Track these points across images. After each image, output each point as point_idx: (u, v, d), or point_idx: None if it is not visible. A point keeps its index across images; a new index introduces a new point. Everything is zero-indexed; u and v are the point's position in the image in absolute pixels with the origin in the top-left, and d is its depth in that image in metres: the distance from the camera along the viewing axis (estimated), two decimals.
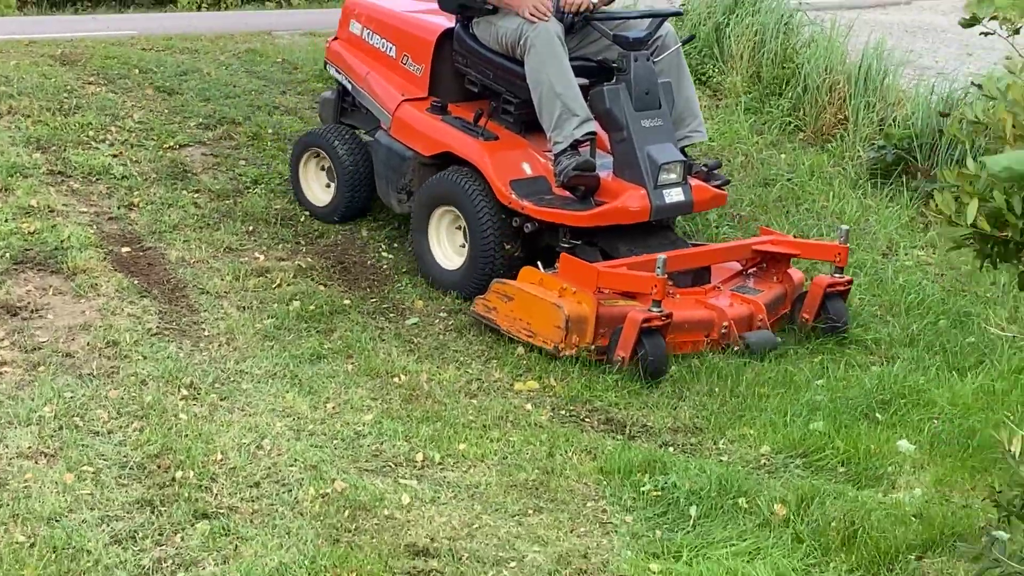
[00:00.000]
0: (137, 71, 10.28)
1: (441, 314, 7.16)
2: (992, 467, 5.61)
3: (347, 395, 6.04)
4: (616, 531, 5.05)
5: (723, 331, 7.08)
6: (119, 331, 6.35)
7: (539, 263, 7.18)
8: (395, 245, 7.98)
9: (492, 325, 7.03)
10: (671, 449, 5.86)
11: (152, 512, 4.86)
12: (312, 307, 6.92)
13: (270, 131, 9.42)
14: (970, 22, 3.50)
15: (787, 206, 9.24)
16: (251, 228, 7.84)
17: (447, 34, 8.09)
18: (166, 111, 9.59)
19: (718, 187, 7.85)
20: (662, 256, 6.74)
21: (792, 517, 5.14)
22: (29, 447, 5.22)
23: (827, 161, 10.00)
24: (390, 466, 5.44)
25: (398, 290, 7.37)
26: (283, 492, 5.10)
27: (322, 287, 7.24)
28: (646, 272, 6.80)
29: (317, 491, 5.09)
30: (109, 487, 5.01)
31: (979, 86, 3.49)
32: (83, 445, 5.28)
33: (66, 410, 5.54)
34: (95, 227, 7.53)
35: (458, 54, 8.01)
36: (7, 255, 6.97)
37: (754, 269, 7.74)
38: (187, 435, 5.43)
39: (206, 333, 6.52)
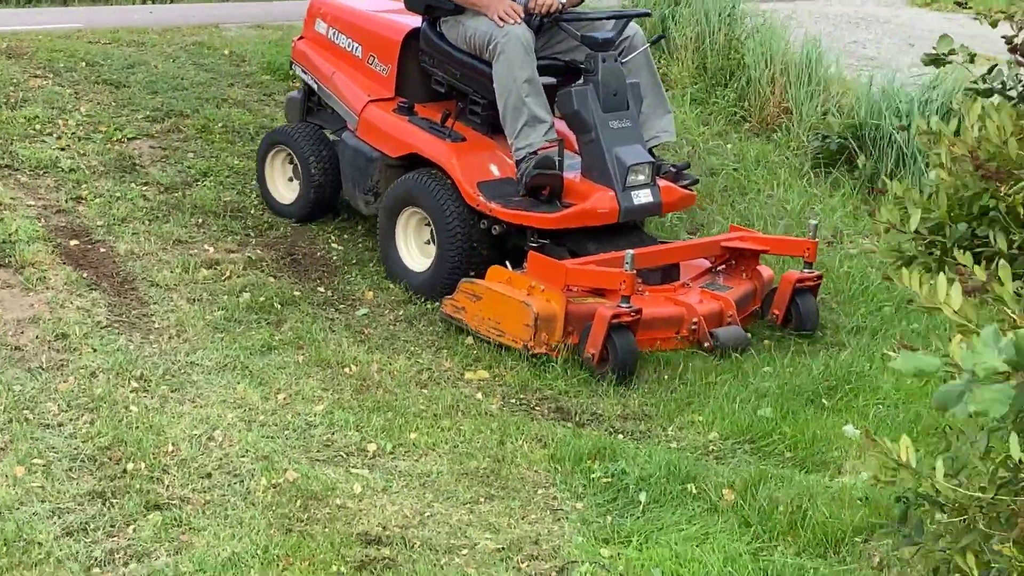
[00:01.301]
0: (84, 64, 10.22)
1: (391, 305, 7.19)
2: (936, 452, 5.70)
3: (298, 386, 6.06)
4: (567, 518, 5.10)
5: (693, 328, 7.06)
6: (68, 324, 6.34)
7: (507, 263, 7.18)
8: (344, 237, 8.00)
9: (461, 326, 7.00)
10: (620, 436, 5.92)
11: (104, 504, 4.87)
12: (262, 299, 6.93)
13: (219, 124, 9.40)
14: (933, 60, 3.53)
15: (733, 196, 9.32)
16: (200, 220, 7.84)
17: (413, 34, 8.04)
18: (113, 104, 9.54)
19: (686, 187, 7.80)
20: (630, 252, 6.70)
21: (740, 502, 5.21)
22: None
23: (772, 151, 10.10)
24: (341, 456, 5.47)
25: (348, 281, 7.39)
26: (235, 483, 5.12)
27: (272, 279, 7.25)
28: (615, 269, 6.78)
29: (269, 481, 5.11)
30: (60, 480, 5.01)
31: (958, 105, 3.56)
32: (33, 438, 5.28)
33: (15, 403, 5.53)
34: (43, 220, 7.50)
35: (425, 54, 7.97)
36: None
37: (724, 266, 7.74)
38: (138, 427, 5.44)
39: (156, 325, 6.52)
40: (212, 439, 5.44)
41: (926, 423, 5.97)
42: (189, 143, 9.00)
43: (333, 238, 7.96)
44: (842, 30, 13.38)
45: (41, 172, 8.18)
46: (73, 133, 8.89)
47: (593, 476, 5.41)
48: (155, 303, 6.77)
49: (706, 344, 7.01)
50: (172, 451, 5.29)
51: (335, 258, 7.68)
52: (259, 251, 7.59)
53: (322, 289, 7.26)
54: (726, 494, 5.27)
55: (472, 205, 7.36)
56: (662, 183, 7.58)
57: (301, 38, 8.86)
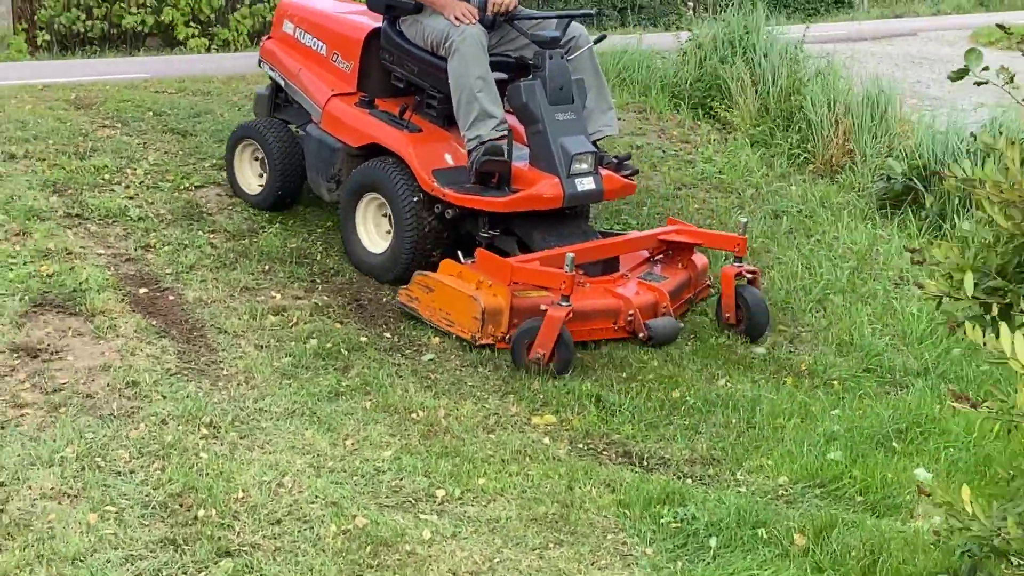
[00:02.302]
0: (151, 113, 10.37)
1: (457, 350, 7.19)
2: (1007, 496, 5.63)
3: (366, 432, 6.07)
4: (637, 563, 5.08)
5: (629, 319, 7.47)
6: (139, 371, 6.39)
7: (460, 253, 7.72)
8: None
9: (415, 314, 7.50)
10: (689, 481, 5.89)
11: (175, 551, 4.89)
12: (329, 345, 6.96)
13: None
14: (959, 74, 3.51)
15: (798, 238, 9.29)
16: (267, 267, 7.89)
17: (375, 33, 8.60)
18: (180, 153, 9.67)
19: (627, 177, 8.33)
20: (570, 254, 7.11)
21: (812, 547, 5.16)
22: (52, 488, 5.25)
23: (836, 192, 10.07)
24: (410, 502, 5.47)
25: (413, 326, 7.40)
26: (305, 529, 5.13)
27: (339, 325, 7.28)
28: (556, 269, 7.20)
29: (338, 528, 5.12)
30: (132, 527, 5.04)
31: (975, 136, 3.52)
32: (105, 485, 5.31)
33: (88, 451, 5.57)
34: (112, 269, 7.59)
35: (385, 51, 8.50)
36: (26, 298, 7.02)
37: (661, 256, 8.26)
38: (208, 474, 5.47)
39: (225, 372, 6.56)
40: (282, 485, 5.46)
41: (998, 466, 5.89)
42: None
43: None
44: (904, 70, 13.34)
45: (110, 221, 8.28)
46: (141, 182, 9.00)
47: (662, 521, 5.38)
48: (223, 350, 6.81)
49: (641, 335, 7.44)
50: (242, 497, 5.31)
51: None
52: (325, 297, 7.63)
53: (388, 335, 7.28)
54: (797, 539, 5.22)
55: (427, 191, 7.88)
56: (604, 172, 8.09)
57: (269, 38, 9.50)
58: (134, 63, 13.54)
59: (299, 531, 5.11)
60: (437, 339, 7.23)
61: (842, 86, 10.84)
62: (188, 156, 9.61)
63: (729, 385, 7.02)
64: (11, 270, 7.32)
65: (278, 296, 7.53)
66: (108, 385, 6.23)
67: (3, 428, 5.68)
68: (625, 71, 12.84)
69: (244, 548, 4.95)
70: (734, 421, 6.57)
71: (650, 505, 5.50)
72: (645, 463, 6.08)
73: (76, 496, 5.21)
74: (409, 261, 7.93)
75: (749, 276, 7.93)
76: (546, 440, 6.21)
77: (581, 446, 6.22)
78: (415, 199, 7.93)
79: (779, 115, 11.10)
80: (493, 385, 6.82)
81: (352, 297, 7.69)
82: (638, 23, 21.77)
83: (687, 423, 6.54)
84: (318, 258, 8.15)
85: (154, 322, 6.99)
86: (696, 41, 12.45)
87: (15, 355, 6.42)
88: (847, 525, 5.32)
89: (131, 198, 8.69)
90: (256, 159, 9.13)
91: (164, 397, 6.17)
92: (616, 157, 8.44)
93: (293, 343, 6.94)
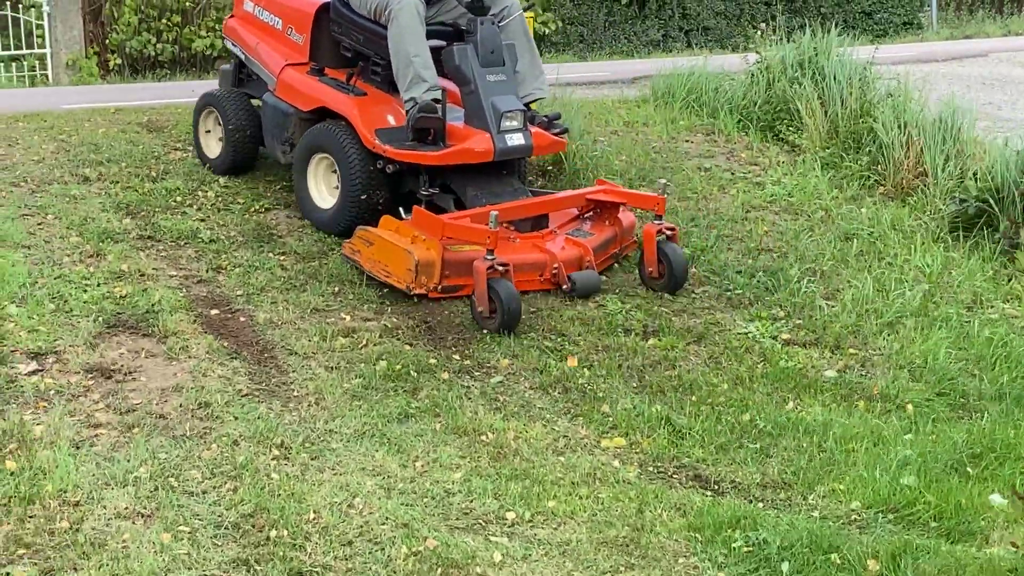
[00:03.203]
0: None
1: (526, 372, 7.18)
2: None
3: (436, 453, 6.08)
4: None
5: (554, 272, 8.21)
6: (210, 392, 6.44)
7: (401, 210, 8.32)
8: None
9: (357, 266, 8.19)
10: (761, 505, 5.85)
11: (248, 571, 4.92)
12: (399, 366, 6.97)
13: None
14: None
15: (869, 260, 9.21)
16: (337, 289, 7.93)
17: (324, 7, 9.39)
18: (250, 175, 9.75)
19: (556, 135, 9.08)
20: (494, 212, 7.78)
21: (885, 573, 5.12)
22: (126, 508, 5.29)
23: (908, 215, 9.98)
24: (480, 524, 5.47)
25: (483, 348, 7.40)
26: (376, 550, 5.14)
27: (408, 346, 7.30)
28: (482, 225, 7.83)
29: (409, 549, 5.13)
30: (205, 547, 5.07)
31: None
32: (178, 505, 5.35)
33: (161, 471, 5.62)
34: (184, 290, 7.66)
35: (334, 23, 9.29)
36: (100, 319, 7.10)
37: (590, 214, 8.95)
38: (280, 494, 5.49)
39: (295, 393, 6.59)
40: (352, 507, 5.47)
41: None
42: None
43: (467, 305, 7.97)
44: (976, 91, 13.22)
45: (182, 243, 8.36)
46: (212, 204, 9.09)
47: (734, 545, 5.34)
48: (294, 371, 6.85)
49: (564, 287, 8.18)
50: (313, 519, 5.33)
51: (469, 325, 7.69)
52: (395, 319, 7.65)
53: (457, 357, 7.29)
54: (871, 565, 5.17)
55: (369, 148, 8.60)
56: (534, 129, 8.82)
57: (231, 16, 10.46)
58: (204, 86, 13.65)
59: (370, 552, 5.12)
60: (506, 361, 7.23)
61: (913, 107, 10.75)
62: (258, 178, 9.69)
63: (800, 408, 6.97)
64: (85, 291, 7.41)
65: (348, 318, 7.56)
66: (180, 406, 6.28)
67: (78, 448, 5.74)
68: (692, 93, 12.81)
69: (316, 569, 4.96)
70: (805, 445, 6.52)
71: (721, 529, 5.47)
72: (716, 487, 6.05)
73: (150, 516, 5.25)
74: (353, 215, 8.65)
75: (668, 233, 8.53)
76: (616, 463, 6.19)
77: (651, 469, 6.20)
78: (359, 157, 8.64)
79: (849, 137, 11.03)
80: (562, 407, 6.80)
81: (421, 319, 7.70)
82: (704, 44, 21.75)
83: (758, 446, 6.50)
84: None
85: (225, 343, 7.04)
86: (764, 63, 12.40)
87: (90, 376, 6.49)
88: (921, 551, 5.26)
89: (202, 220, 8.78)
90: (217, 126, 10.03)
91: (236, 418, 6.21)
92: (546, 116, 9.17)
93: (363, 365, 6.97)
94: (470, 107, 8.68)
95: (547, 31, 22.53)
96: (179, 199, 9.12)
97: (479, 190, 8.65)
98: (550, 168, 10.40)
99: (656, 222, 8.61)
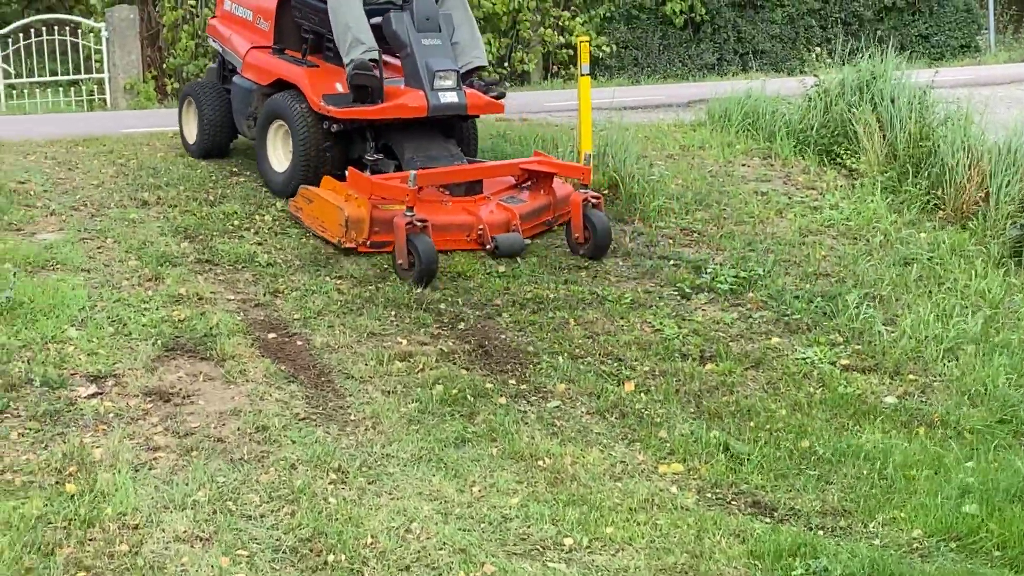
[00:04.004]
0: None
1: (582, 397, 7.15)
2: None
3: (492, 478, 6.06)
4: None
5: (479, 232, 8.93)
6: (268, 416, 6.45)
7: (347, 173, 9.01)
8: (533, 328, 7.99)
9: (301, 222, 9.15)
10: (821, 532, 5.80)
11: None
12: (455, 391, 6.96)
13: None
14: None
15: (929, 286, 9.13)
16: (393, 313, 7.93)
17: None
18: None
19: (493, 98, 9.92)
20: (413, 172, 8.60)
21: None
22: (185, 531, 5.30)
23: (968, 239, 9.88)
24: (538, 550, 5.44)
25: (539, 373, 7.38)
26: None
27: (464, 371, 7.28)
28: (404, 185, 8.56)
29: (467, 575, 5.10)
30: (263, 571, 5.07)
31: None
32: (237, 529, 5.36)
33: (219, 494, 5.63)
34: (242, 314, 7.68)
35: (294, 8, 10.34)
36: (159, 342, 7.13)
37: (529, 183, 9.64)
38: (337, 519, 5.49)
39: (352, 417, 6.59)
40: (410, 531, 5.46)
41: None
42: None
43: (524, 329, 7.95)
44: None
45: (240, 266, 8.40)
46: (269, 228, 9.12)
47: (794, 573, 5.30)
48: (351, 395, 6.85)
49: (488, 246, 8.89)
50: (371, 543, 5.32)
51: (526, 350, 7.67)
52: (451, 343, 7.64)
53: (513, 381, 7.27)
54: None
55: (316, 110, 9.48)
56: (468, 90, 9.63)
57: (213, 17, 11.63)
58: None
59: None
60: (563, 386, 7.21)
61: (974, 131, 10.66)
62: None
63: (859, 435, 6.90)
64: (144, 315, 7.45)
65: (404, 342, 7.56)
66: (238, 429, 6.29)
67: (137, 471, 5.76)
68: (749, 117, 12.76)
69: None
70: (865, 472, 6.45)
71: (781, 557, 5.42)
72: (775, 513, 6.00)
73: (208, 539, 5.26)
74: (303, 176, 9.51)
75: (594, 201, 9.24)
76: (674, 489, 6.15)
77: (709, 495, 6.15)
78: (308, 121, 9.52)
79: (907, 161, 10.95)
80: (619, 432, 6.77)
81: (477, 343, 7.69)
82: (759, 68, 21.68)
83: (817, 473, 6.44)
84: (443, 305, 8.16)
85: (283, 367, 7.06)
86: (822, 86, 12.34)
87: (148, 399, 6.52)
88: None
89: (260, 244, 8.81)
90: (195, 114, 11.14)
91: (293, 442, 6.21)
92: (483, 81, 10.17)
93: (419, 389, 6.96)
94: (407, 69, 9.57)
95: (601, 54, 22.52)
96: (236, 223, 9.16)
97: (415, 154, 9.47)
98: (606, 192, 10.38)
99: (582, 191, 9.31)
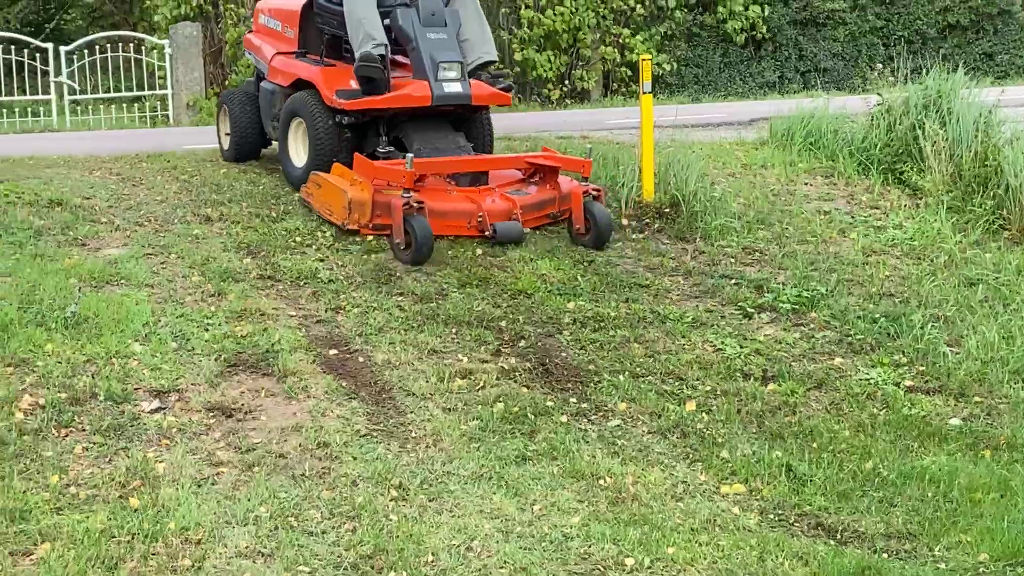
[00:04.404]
0: None
1: (643, 416, 7.12)
2: None
3: (553, 497, 6.04)
4: None
5: (479, 220, 9.37)
6: (329, 432, 6.46)
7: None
8: (594, 346, 7.96)
9: (311, 207, 9.74)
10: (885, 556, 5.73)
11: None
12: (516, 409, 6.95)
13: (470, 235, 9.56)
14: None
15: (994, 306, 9.03)
16: (454, 331, 7.93)
17: (309, 4, 11.07)
18: None
19: (501, 90, 10.49)
20: (410, 155, 9.21)
21: None
22: (247, 546, 5.32)
23: None
24: (599, 569, 5.42)
25: (600, 391, 7.36)
26: None
27: (525, 388, 7.27)
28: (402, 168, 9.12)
29: None
30: None
31: None
32: (298, 545, 5.36)
33: (281, 510, 5.64)
34: (304, 330, 7.71)
35: (316, 14, 10.90)
36: (222, 358, 7.17)
37: (536, 178, 10.11)
38: (398, 536, 5.49)
39: (413, 434, 6.59)
40: (470, 549, 5.45)
41: None
42: (442, 253, 9.16)
43: (585, 347, 7.93)
44: None
45: (302, 283, 8.43)
46: (331, 245, 9.16)
47: None
48: (412, 412, 6.85)
49: (487, 232, 9.34)
50: (432, 561, 5.31)
51: (587, 368, 7.65)
52: (512, 361, 7.63)
53: (574, 399, 7.25)
54: None
55: (328, 104, 10.07)
56: (474, 82, 10.17)
57: (251, 31, 12.33)
58: None
59: None
60: (624, 404, 7.18)
61: None
62: None
63: (924, 457, 6.83)
64: (207, 330, 7.49)
65: (465, 359, 7.56)
66: (300, 445, 6.31)
67: (200, 486, 5.79)
68: (811, 135, 12.68)
69: None
70: (930, 495, 6.38)
71: None
72: (839, 536, 5.94)
73: (270, 555, 5.28)
74: (318, 167, 9.97)
75: (594, 193, 9.66)
76: (736, 510, 6.11)
77: (772, 517, 6.10)
78: (323, 116, 10.10)
79: (973, 180, 10.84)
80: (681, 452, 6.73)
81: (538, 361, 7.67)
82: (820, 86, 21.57)
83: (881, 495, 6.37)
84: (503, 323, 8.16)
85: (344, 383, 7.07)
86: (886, 105, 12.25)
87: (211, 414, 6.55)
88: None
89: (321, 260, 8.85)
90: (227, 120, 11.89)
91: (354, 458, 6.22)
92: (491, 73, 10.57)
93: (480, 407, 6.95)
94: (413, 63, 10.13)
95: (662, 72, 22.49)
96: (298, 239, 9.20)
97: (423, 145, 9.94)
98: (667, 211, 10.35)
99: (583, 183, 9.75)
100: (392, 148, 9.91)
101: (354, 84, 10.06)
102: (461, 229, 9.45)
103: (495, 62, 10.89)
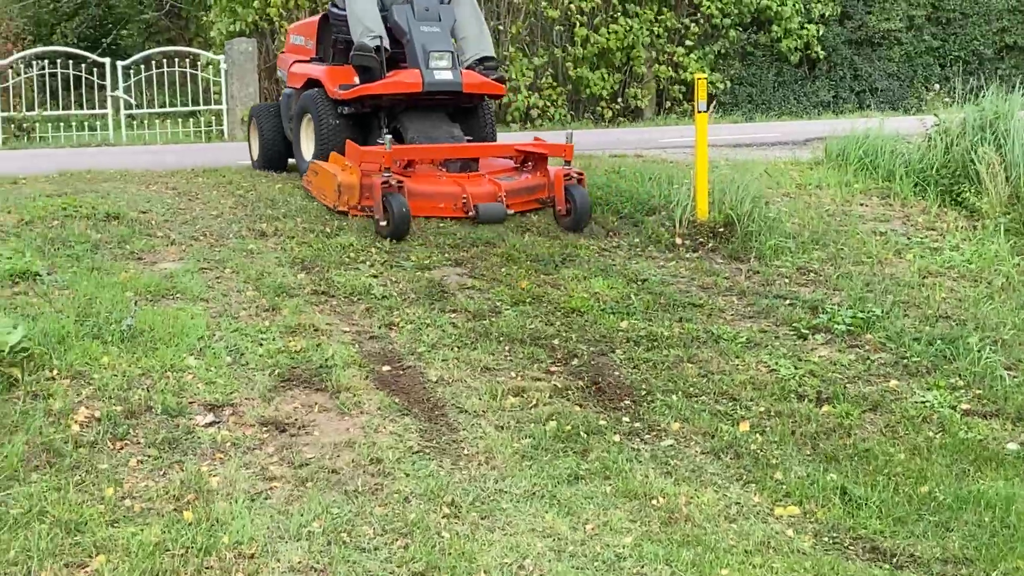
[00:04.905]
0: None
1: (696, 436, 7.08)
2: None
3: (606, 516, 6.01)
4: None
5: (464, 201, 10.17)
6: (382, 448, 6.46)
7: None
8: (647, 366, 7.93)
9: (311, 193, 10.69)
10: None
11: None
12: (568, 427, 6.93)
13: (523, 252, 9.56)
14: None
15: None
16: (507, 348, 7.92)
17: (325, 17, 12.05)
18: (422, 232, 9.83)
19: (494, 80, 11.25)
20: (388, 135, 10.03)
21: None
22: (300, 562, 5.33)
23: None
24: None
25: (653, 410, 7.33)
26: None
27: (578, 407, 7.25)
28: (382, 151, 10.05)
29: None
30: None
31: None
32: (351, 561, 5.37)
33: (334, 526, 5.64)
34: (357, 346, 7.72)
35: (332, 24, 11.74)
36: (276, 373, 7.19)
37: (529, 165, 10.92)
38: (450, 553, 5.48)
39: (466, 452, 6.58)
40: (523, 568, 5.43)
41: None
42: (495, 271, 9.16)
43: (638, 366, 7.90)
44: None
45: (355, 299, 8.45)
46: (384, 261, 9.17)
47: None
48: (464, 429, 6.84)
49: (470, 213, 10.12)
50: None
51: (640, 388, 7.62)
52: (564, 379, 7.61)
53: (627, 419, 7.22)
54: None
55: (331, 96, 11.09)
56: (465, 71, 11.03)
57: (282, 51, 13.54)
58: None
59: None
60: (677, 424, 7.15)
61: None
62: (428, 236, 9.76)
63: (981, 481, 6.75)
64: (261, 345, 7.52)
65: (518, 377, 7.55)
66: (353, 461, 6.31)
67: (253, 500, 5.80)
68: (867, 156, 12.61)
69: None
70: (987, 519, 6.30)
71: None
72: (894, 560, 5.88)
73: (323, 571, 5.28)
74: (322, 158, 10.86)
75: (577, 177, 10.39)
76: (790, 532, 6.06)
77: (826, 539, 6.05)
78: (327, 110, 11.08)
79: None
80: (734, 473, 6.69)
81: (591, 380, 7.65)
82: (875, 106, 21.47)
83: (937, 520, 6.31)
84: (556, 341, 8.15)
85: (397, 400, 7.07)
86: (943, 125, 12.16)
87: (265, 429, 6.57)
88: None
89: (375, 276, 8.86)
90: (256, 132, 12.83)
91: (407, 475, 6.22)
92: (484, 66, 11.30)
93: (533, 425, 6.94)
94: (408, 54, 10.97)
95: (715, 91, 22.45)
96: (352, 255, 9.23)
97: (417, 134, 10.85)
98: (722, 230, 10.31)
99: (565, 167, 10.44)
100: (391, 137, 10.25)
101: (357, 80, 11.01)
102: (447, 210, 10.21)
103: (492, 57, 11.62)
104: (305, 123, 11.57)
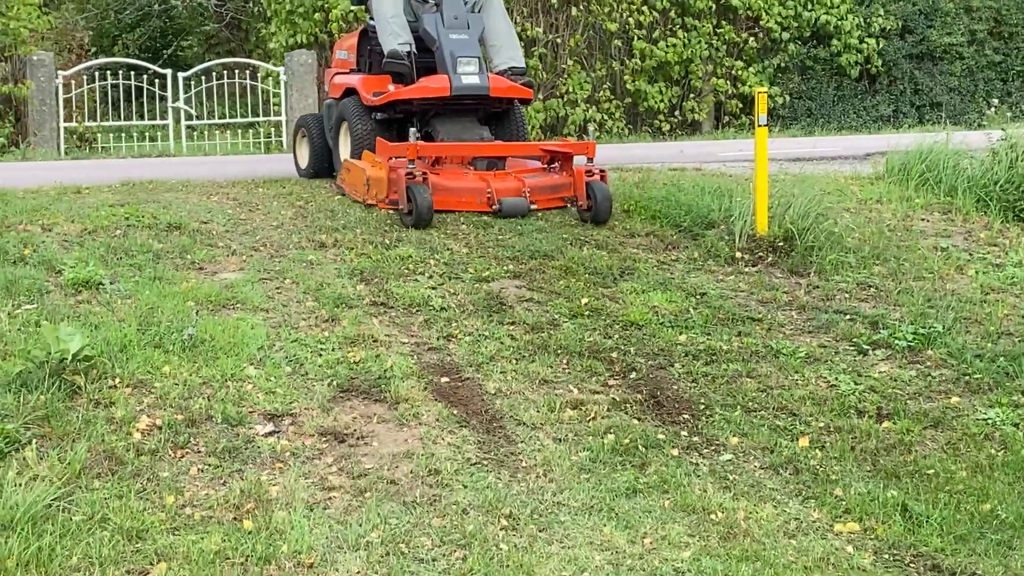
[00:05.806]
0: None
1: (755, 451, 7.05)
2: None
3: (664, 531, 5.99)
4: None
5: (488, 195, 10.61)
6: (440, 460, 6.47)
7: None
8: (706, 380, 7.89)
9: (344, 190, 11.33)
10: None
11: None
12: (627, 440, 6.91)
13: (581, 265, 9.55)
14: None
15: None
16: (565, 361, 7.91)
17: (364, 31, 12.54)
18: (479, 245, 9.85)
19: (522, 85, 11.72)
20: (412, 129, 10.67)
21: None
22: (358, 572, 5.34)
23: None
24: None
25: (711, 425, 7.29)
26: None
27: (636, 421, 7.23)
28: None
29: None
30: None
31: None
32: (409, 572, 5.38)
33: (392, 536, 5.66)
34: (415, 357, 7.74)
35: (370, 35, 12.21)
36: (335, 383, 7.22)
37: (556, 165, 11.28)
38: (508, 565, 5.48)
39: (523, 464, 6.58)
40: None
41: None
42: (553, 283, 9.16)
43: (697, 380, 7.86)
44: None
45: (414, 310, 8.47)
46: (443, 272, 9.20)
47: None
48: (522, 442, 6.84)
49: (493, 207, 10.54)
50: None
51: (699, 402, 7.59)
52: (623, 392, 7.59)
53: (685, 433, 7.19)
54: None
55: (365, 103, 11.62)
56: (493, 76, 11.47)
57: (329, 66, 14.09)
58: None
59: None
60: (736, 439, 7.11)
61: None
62: (487, 248, 9.78)
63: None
64: (320, 355, 7.55)
65: (576, 390, 7.54)
66: (411, 472, 6.33)
67: (312, 510, 5.83)
68: (929, 171, 12.52)
69: None
70: None
71: None
72: None
73: None
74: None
75: (599, 174, 10.80)
76: (849, 549, 6.02)
77: (887, 557, 6.00)
78: (361, 116, 11.61)
79: None
80: (793, 488, 6.65)
81: (649, 393, 7.63)
82: (936, 121, 21.33)
83: (1000, 538, 6.24)
84: (615, 354, 8.13)
85: (455, 411, 7.08)
86: (1009, 141, 12.06)
87: (323, 439, 6.60)
88: None
89: (434, 288, 8.89)
90: (304, 142, 13.22)
91: (465, 487, 6.22)
92: (512, 70, 11.77)
93: (591, 438, 6.93)
94: (438, 61, 11.37)
95: (774, 105, 22.37)
96: (411, 267, 9.26)
97: (447, 136, 11.30)
98: (781, 244, 10.26)
99: (587, 164, 10.89)
100: (419, 135, 10.72)
101: (391, 88, 11.45)
102: (472, 204, 10.62)
103: (522, 67, 12.10)
104: (343, 131, 12.13)
